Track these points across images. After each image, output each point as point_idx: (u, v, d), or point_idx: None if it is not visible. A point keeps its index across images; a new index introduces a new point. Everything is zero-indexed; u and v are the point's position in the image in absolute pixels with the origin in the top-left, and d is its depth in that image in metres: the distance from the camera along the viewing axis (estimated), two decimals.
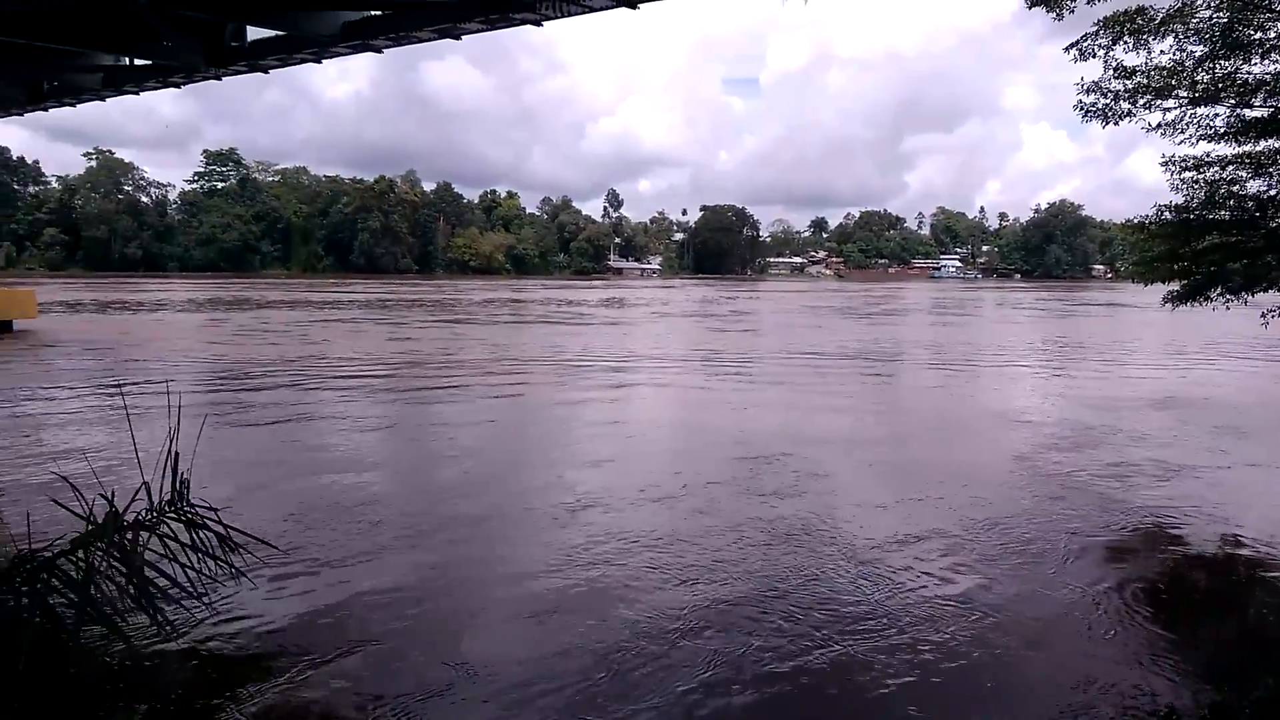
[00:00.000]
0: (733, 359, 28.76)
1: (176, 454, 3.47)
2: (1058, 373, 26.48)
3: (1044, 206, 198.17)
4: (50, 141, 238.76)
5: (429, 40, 17.88)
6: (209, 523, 3.88)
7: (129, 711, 3.72)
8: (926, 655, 6.69)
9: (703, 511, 10.40)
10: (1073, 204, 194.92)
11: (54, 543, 3.40)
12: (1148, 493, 11.69)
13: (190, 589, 3.89)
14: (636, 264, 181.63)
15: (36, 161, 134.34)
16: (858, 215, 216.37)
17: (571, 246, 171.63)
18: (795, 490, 11.44)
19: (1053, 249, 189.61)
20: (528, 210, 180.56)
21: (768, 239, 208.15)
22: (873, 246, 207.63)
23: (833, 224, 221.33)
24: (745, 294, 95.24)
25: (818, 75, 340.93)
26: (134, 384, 20.98)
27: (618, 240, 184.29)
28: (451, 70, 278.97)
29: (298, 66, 20.99)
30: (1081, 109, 12.91)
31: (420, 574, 8.30)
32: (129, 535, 3.75)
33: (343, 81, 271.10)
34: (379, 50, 18.73)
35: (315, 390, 20.65)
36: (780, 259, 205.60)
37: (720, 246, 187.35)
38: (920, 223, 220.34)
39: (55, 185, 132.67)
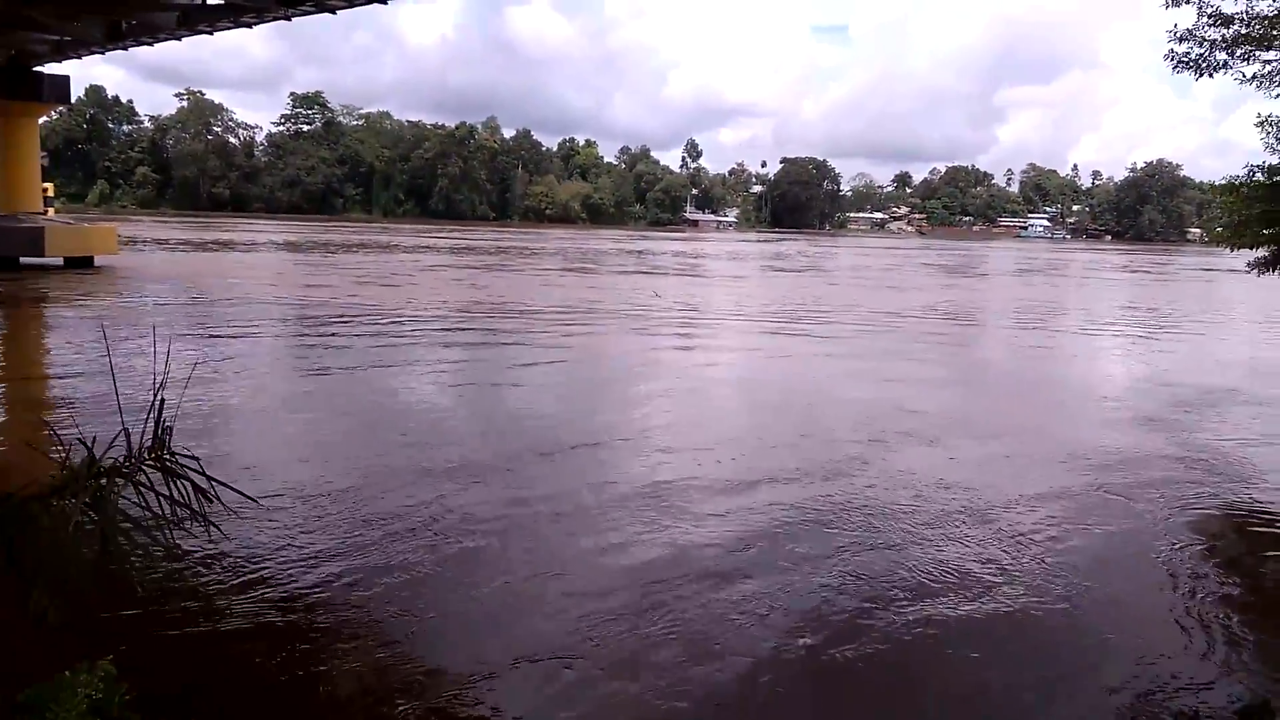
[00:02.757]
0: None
1: (162, 400, 3.28)
2: (1170, 339, 26.36)
3: (1140, 165, 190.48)
4: (144, 81, 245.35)
5: None
6: (189, 472, 3.79)
7: (93, 664, 3.60)
8: None
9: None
10: (1171, 164, 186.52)
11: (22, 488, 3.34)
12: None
13: (161, 539, 3.83)
14: (713, 216, 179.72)
15: (130, 101, 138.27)
16: (944, 170, 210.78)
17: (648, 197, 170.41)
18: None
19: (1147, 210, 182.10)
20: (606, 159, 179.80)
21: (849, 193, 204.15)
22: (958, 203, 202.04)
23: (917, 179, 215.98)
24: (840, 249, 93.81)
25: (911, 23, 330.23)
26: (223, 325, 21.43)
27: (695, 192, 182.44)
28: (535, 15, 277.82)
29: (379, 8, 20.97)
30: (1173, 59, 12.07)
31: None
32: (103, 482, 3.58)
33: (428, 26, 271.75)
34: None
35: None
36: (860, 214, 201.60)
37: (799, 200, 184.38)
38: (1009, 179, 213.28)
39: (148, 125, 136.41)
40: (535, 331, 21.95)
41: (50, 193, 63.16)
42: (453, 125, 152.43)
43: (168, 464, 3.99)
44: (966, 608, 6.91)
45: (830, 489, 9.76)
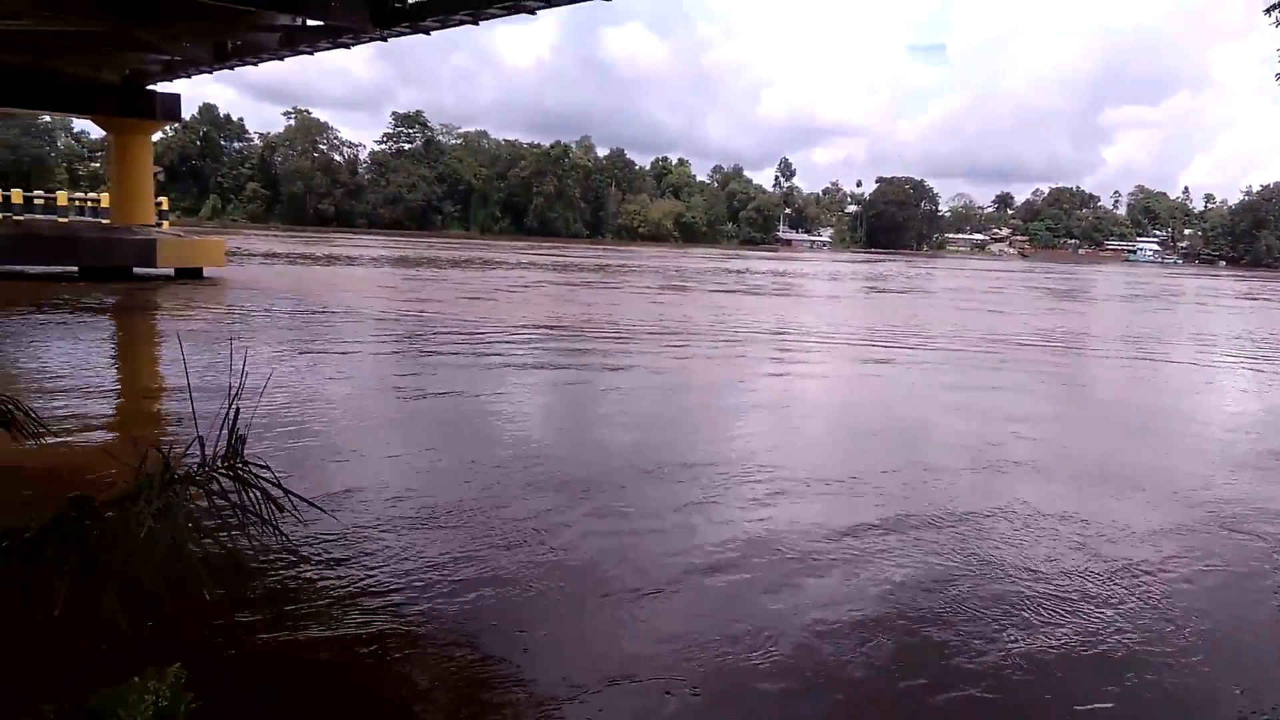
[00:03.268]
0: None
1: (237, 409, 3.20)
2: None
3: (1256, 189, 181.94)
4: (254, 100, 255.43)
5: (576, 1, 17.86)
6: (262, 482, 3.75)
7: (161, 670, 3.51)
8: None
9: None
10: None
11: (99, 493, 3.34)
12: None
13: (231, 546, 3.80)
14: (806, 236, 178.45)
15: (241, 119, 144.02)
16: (1047, 191, 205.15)
17: (740, 216, 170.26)
18: None
19: (1264, 235, 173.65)
20: (698, 178, 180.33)
21: (946, 214, 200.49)
22: (1062, 225, 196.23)
23: (1019, 200, 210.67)
24: (940, 271, 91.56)
25: (1011, 42, 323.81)
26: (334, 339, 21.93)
27: (788, 211, 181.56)
28: (629, 36, 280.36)
29: (476, 31, 21.39)
30: None
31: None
32: (175, 490, 3.52)
33: (525, 47, 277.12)
34: (531, 11, 18.75)
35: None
36: (959, 235, 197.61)
37: (895, 220, 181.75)
38: (1116, 202, 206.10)
39: (257, 142, 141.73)
40: (641, 350, 21.83)
41: (165, 206, 65.91)
42: (548, 144, 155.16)
43: (240, 472, 3.95)
44: (1102, 667, 6.38)
45: (944, 525, 9.19)
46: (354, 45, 23.29)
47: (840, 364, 22.31)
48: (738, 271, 69.13)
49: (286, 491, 3.98)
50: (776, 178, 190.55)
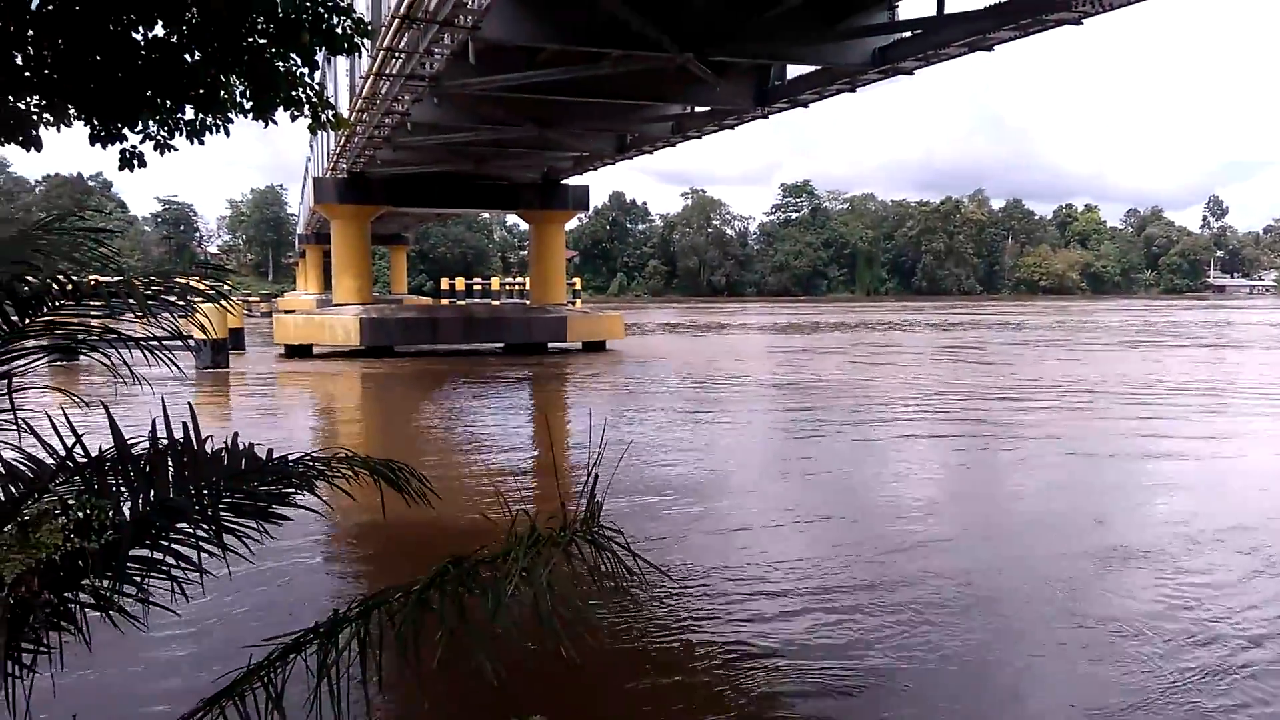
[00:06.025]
0: None
1: (595, 476, 3.60)
2: None
3: None
4: (660, 183, 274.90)
5: (958, 55, 17.34)
6: (615, 547, 4.02)
7: (524, 716, 3.96)
8: None
9: None
10: None
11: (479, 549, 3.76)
12: None
13: (587, 611, 4.06)
14: (1244, 280, 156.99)
15: (645, 203, 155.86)
16: None
17: (1160, 262, 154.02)
18: None
19: None
20: (1108, 224, 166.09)
21: None
22: None
23: None
24: None
25: None
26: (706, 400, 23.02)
27: (1219, 254, 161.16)
28: (1023, 81, 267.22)
29: (855, 98, 21.66)
30: None
31: None
32: (539, 551, 3.96)
33: (913, 107, 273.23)
34: (909, 72, 18.56)
35: None
36: None
37: None
38: None
39: (658, 223, 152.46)
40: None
41: (578, 286, 73.21)
42: (938, 201, 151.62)
43: (596, 537, 4.26)
44: None
45: None
46: (737, 126, 24.50)
47: None
48: (1218, 324, 61.74)
49: (636, 556, 4.17)
50: (1204, 217, 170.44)
